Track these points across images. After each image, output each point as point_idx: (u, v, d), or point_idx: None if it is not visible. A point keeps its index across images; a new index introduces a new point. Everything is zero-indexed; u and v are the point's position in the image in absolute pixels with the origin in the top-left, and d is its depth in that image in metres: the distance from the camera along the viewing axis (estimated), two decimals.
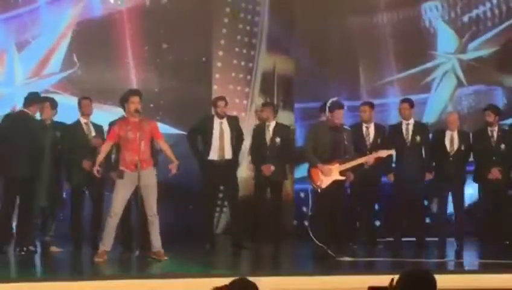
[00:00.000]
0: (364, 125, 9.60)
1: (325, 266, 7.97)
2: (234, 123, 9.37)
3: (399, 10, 11.01)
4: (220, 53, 10.81)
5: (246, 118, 10.68)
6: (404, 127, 9.49)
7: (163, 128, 9.22)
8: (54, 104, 9.01)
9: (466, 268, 8.47)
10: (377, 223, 10.15)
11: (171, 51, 10.58)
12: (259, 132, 9.78)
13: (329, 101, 8.55)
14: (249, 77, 10.89)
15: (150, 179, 8.10)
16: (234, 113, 10.01)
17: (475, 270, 8.13)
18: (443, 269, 8.16)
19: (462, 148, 9.32)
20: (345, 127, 8.67)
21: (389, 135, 9.59)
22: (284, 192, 9.97)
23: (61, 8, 10.45)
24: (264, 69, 10.93)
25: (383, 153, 8.77)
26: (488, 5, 10.98)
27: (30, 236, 8.75)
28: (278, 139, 9.61)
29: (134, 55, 10.52)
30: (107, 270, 7.89)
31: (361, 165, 8.76)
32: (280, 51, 10.91)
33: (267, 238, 9.47)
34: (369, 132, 9.58)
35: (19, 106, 9.19)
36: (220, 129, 9.23)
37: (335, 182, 8.41)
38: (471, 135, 9.54)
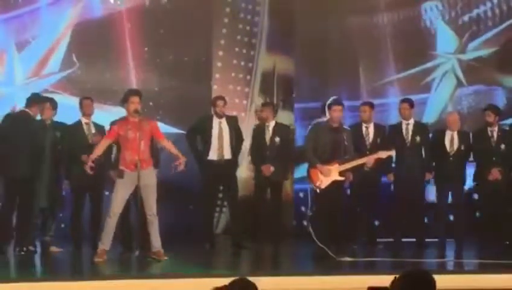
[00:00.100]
0: (364, 125, 9.59)
1: (325, 266, 7.97)
2: (233, 123, 9.37)
3: (399, 10, 11.01)
4: (220, 53, 10.81)
5: (246, 118, 10.68)
6: (404, 127, 9.48)
7: (163, 127, 9.20)
8: (54, 105, 9.02)
9: (466, 268, 8.45)
10: (377, 223, 10.15)
11: (171, 51, 10.58)
12: (259, 131, 9.78)
13: (330, 99, 8.56)
14: (248, 77, 10.89)
15: (149, 178, 8.08)
16: (234, 113, 10.01)
17: (475, 271, 8.11)
18: (443, 269, 8.16)
19: (462, 148, 9.31)
20: (345, 127, 8.67)
21: (389, 135, 9.58)
22: (284, 192, 9.97)
23: (61, 8, 10.45)
24: (263, 69, 10.93)
25: (383, 154, 8.76)
26: (488, 4, 10.98)
27: (30, 236, 8.74)
28: (277, 139, 9.61)
29: (134, 56, 10.52)
30: (107, 270, 7.89)
31: (361, 165, 8.77)
32: (280, 51, 10.91)
33: (267, 238, 9.48)
34: (369, 131, 9.57)
35: (19, 105, 9.20)
36: (219, 129, 9.23)
37: (334, 183, 8.40)
38: (471, 135, 9.53)
